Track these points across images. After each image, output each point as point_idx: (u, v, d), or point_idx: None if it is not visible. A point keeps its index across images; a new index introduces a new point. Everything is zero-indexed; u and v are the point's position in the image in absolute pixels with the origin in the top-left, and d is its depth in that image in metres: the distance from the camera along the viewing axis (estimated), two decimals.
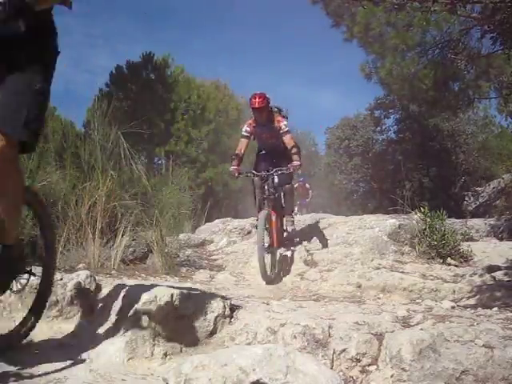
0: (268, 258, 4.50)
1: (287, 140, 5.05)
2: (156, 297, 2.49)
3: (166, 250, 4.40)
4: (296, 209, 9.02)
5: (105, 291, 2.98)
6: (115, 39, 56.43)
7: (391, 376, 2.14)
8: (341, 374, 2.21)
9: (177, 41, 52.74)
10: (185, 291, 2.61)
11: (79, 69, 50.67)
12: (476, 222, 7.30)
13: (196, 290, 2.84)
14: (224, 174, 15.39)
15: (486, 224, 7.18)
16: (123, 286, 2.80)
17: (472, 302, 3.72)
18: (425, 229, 4.88)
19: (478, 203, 12.22)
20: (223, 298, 2.72)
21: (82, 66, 49.74)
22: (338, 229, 5.53)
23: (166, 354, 2.39)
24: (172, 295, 2.52)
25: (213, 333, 2.51)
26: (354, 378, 2.21)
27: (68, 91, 44.06)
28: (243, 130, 5.28)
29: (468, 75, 8.74)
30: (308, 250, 5.05)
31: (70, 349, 2.48)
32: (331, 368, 2.22)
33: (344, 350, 2.29)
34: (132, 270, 4.10)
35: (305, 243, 5.33)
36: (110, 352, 2.37)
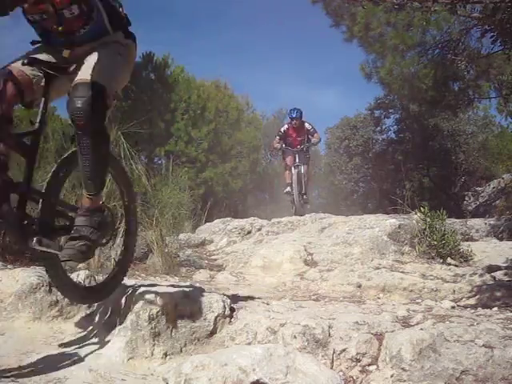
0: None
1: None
2: (156, 297, 2.49)
3: (166, 250, 4.39)
4: None
5: None
6: None
7: (391, 376, 2.14)
8: (341, 373, 2.21)
9: (177, 40, 52.59)
10: (185, 291, 2.61)
11: None
12: (476, 222, 7.28)
13: (196, 289, 2.84)
14: (224, 174, 15.37)
15: (486, 224, 7.16)
16: (123, 285, 2.80)
17: (472, 301, 3.72)
18: (425, 229, 4.88)
19: (478, 203, 12.22)
20: (223, 297, 2.72)
21: None
22: (337, 229, 5.52)
23: (165, 354, 2.39)
24: (172, 295, 2.52)
25: (213, 333, 2.51)
26: (354, 377, 2.21)
27: None
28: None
29: (468, 75, 8.73)
30: (308, 250, 5.05)
31: (70, 349, 2.48)
32: (331, 368, 2.22)
33: (344, 350, 2.29)
34: (132, 269, 4.10)
35: (304, 243, 5.32)
36: (110, 352, 2.37)
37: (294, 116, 8.04)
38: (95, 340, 2.51)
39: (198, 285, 3.77)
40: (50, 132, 5.05)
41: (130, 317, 2.45)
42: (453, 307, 3.25)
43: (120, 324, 2.48)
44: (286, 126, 8.33)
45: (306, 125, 8.10)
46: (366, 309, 3.03)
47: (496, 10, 2.94)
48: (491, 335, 2.20)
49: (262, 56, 57.90)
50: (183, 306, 2.52)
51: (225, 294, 3.03)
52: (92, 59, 2.22)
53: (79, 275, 2.97)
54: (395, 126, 16.63)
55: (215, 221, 6.99)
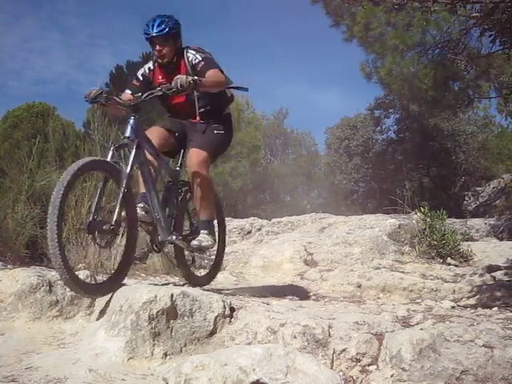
0: None
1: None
2: (156, 297, 2.49)
3: (166, 250, 4.39)
4: None
5: None
6: (118, 39, 56.29)
7: (391, 376, 2.14)
8: (341, 373, 2.21)
9: None
10: (185, 291, 2.61)
11: (82, 69, 50.66)
12: (476, 222, 7.28)
13: (196, 289, 2.84)
14: (224, 174, 15.38)
15: (486, 224, 7.17)
16: (123, 285, 2.80)
17: (472, 301, 3.72)
18: (425, 229, 4.88)
19: (477, 203, 12.22)
20: (223, 297, 2.72)
21: (85, 66, 49.75)
22: (337, 229, 5.53)
23: (165, 354, 2.39)
24: (172, 295, 2.51)
25: (213, 333, 2.51)
26: (354, 377, 2.21)
27: (71, 91, 44.08)
28: None
29: (468, 75, 8.73)
30: (308, 250, 5.05)
31: (70, 349, 2.48)
32: (331, 368, 2.22)
33: (344, 350, 2.29)
34: (132, 269, 4.10)
35: (304, 243, 5.32)
36: (110, 352, 2.37)
37: (151, 32, 3.28)
38: (95, 340, 2.51)
39: None
40: (50, 132, 5.05)
41: (130, 317, 2.45)
42: (453, 307, 3.25)
43: (120, 324, 2.48)
44: (150, 64, 3.63)
45: (189, 54, 3.38)
46: (366, 309, 3.03)
47: (494, 9, 2.94)
48: (491, 335, 2.20)
49: (262, 56, 57.92)
50: (183, 306, 2.52)
51: (225, 294, 3.04)
52: None
53: (79, 275, 2.97)
54: (395, 126, 16.69)
55: (215, 221, 6.98)
